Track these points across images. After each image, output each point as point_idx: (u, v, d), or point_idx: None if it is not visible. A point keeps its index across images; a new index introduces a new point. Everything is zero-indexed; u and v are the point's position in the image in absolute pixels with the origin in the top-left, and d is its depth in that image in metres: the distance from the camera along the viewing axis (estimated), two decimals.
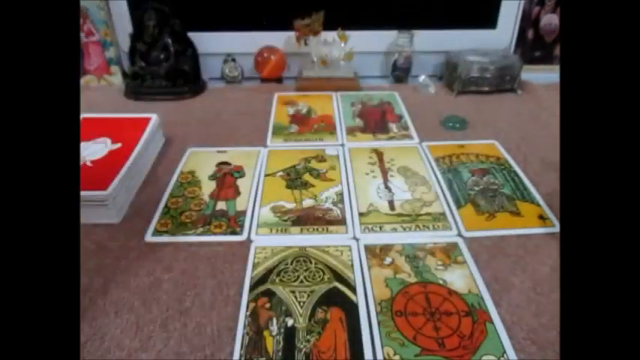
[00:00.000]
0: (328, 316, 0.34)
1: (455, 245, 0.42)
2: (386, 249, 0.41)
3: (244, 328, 0.34)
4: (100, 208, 0.45)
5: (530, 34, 0.83)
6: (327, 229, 0.44)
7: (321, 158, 0.56)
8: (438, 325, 0.34)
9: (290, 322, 0.34)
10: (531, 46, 0.84)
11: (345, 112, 0.69)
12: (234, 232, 0.44)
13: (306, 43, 0.78)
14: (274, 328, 0.34)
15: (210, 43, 0.82)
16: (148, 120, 0.57)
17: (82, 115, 0.58)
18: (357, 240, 0.42)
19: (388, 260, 0.40)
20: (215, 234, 0.44)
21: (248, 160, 0.56)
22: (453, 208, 0.47)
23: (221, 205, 0.48)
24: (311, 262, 0.39)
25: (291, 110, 0.70)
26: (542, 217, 0.45)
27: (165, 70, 0.77)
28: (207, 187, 0.51)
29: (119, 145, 0.52)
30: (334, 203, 0.48)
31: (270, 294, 0.36)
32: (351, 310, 0.35)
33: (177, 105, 0.74)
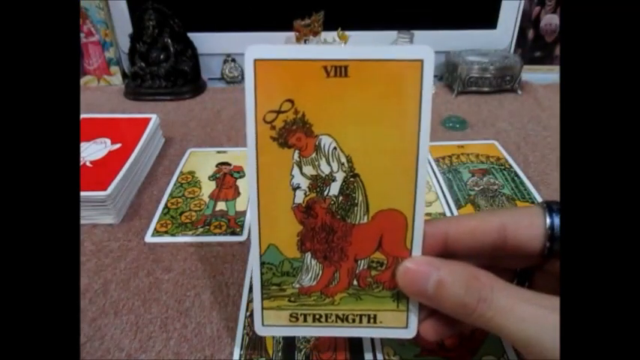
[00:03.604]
0: None
1: None
2: None
3: (244, 328, 0.34)
4: (99, 209, 0.45)
5: (530, 34, 0.83)
6: None
7: None
8: None
9: None
10: (531, 46, 0.84)
11: None
12: (234, 233, 0.44)
13: (306, 43, 0.78)
14: None
15: (210, 43, 0.82)
16: (147, 120, 0.57)
17: (82, 116, 0.58)
18: None
19: None
20: (215, 234, 0.44)
21: None
22: (453, 208, 0.47)
23: (221, 206, 0.48)
24: None
25: None
26: None
27: (165, 71, 0.77)
28: (207, 188, 0.51)
29: (119, 145, 0.52)
30: None
31: None
32: None
33: (177, 105, 0.74)
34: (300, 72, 0.24)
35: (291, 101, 0.25)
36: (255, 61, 0.24)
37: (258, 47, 0.24)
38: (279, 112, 0.25)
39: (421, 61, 0.24)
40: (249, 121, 0.25)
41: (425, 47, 0.24)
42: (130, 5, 0.80)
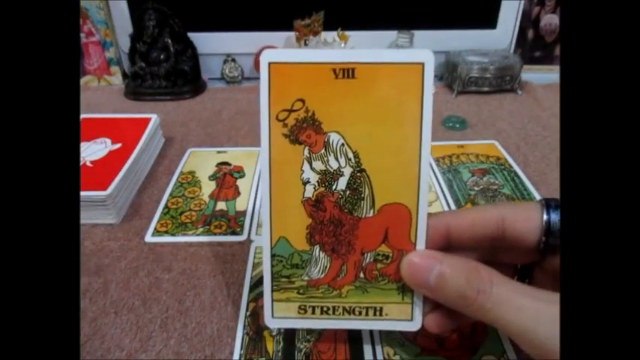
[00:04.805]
0: None
1: None
2: None
3: (244, 328, 0.34)
4: (99, 209, 0.45)
5: (530, 34, 0.83)
6: None
7: None
8: None
9: None
10: (531, 46, 0.84)
11: None
12: (234, 233, 0.44)
13: (306, 43, 0.78)
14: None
15: (210, 43, 0.82)
16: (147, 120, 0.57)
17: (82, 116, 0.58)
18: None
19: None
20: (215, 234, 0.44)
21: (248, 160, 0.56)
22: (453, 208, 0.47)
23: (221, 206, 0.48)
24: None
25: None
26: None
27: (165, 71, 0.77)
28: (207, 188, 0.51)
29: (119, 145, 0.52)
30: None
31: None
32: None
33: (177, 105, 0.74)
34: (310, 74, 0.26)
35: (302, 101, 0.26)
36: (270, 64, 0.26)
37: (273, 51, 0.26)
38: (291, 110, 0.26)
39: (422, 63, 0.26)
40: (263, 119, 0.26)
41: (425, 51, 0.26)
42: (130, 5, 0.80)
